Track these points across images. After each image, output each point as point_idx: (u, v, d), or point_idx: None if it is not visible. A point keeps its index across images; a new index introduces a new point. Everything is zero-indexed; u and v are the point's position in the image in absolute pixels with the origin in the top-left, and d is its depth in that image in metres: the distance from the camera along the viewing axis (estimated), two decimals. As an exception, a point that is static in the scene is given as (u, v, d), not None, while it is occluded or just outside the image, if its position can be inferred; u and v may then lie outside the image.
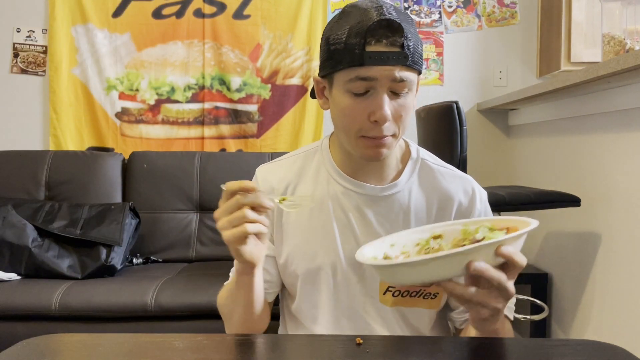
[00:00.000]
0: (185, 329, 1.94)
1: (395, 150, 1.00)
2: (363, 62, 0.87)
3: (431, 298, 0.99)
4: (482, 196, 1.04)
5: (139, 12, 2.81)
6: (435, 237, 0.85)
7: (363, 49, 0.87)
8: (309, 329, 1.03)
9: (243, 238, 0.81)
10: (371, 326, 1.00)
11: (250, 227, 0.80)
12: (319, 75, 0.97)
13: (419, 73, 0.93)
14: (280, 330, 1.12)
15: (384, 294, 0.99)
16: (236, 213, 0.80)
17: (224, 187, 0.81)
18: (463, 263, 0.71)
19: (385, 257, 0.83)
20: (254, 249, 0.84)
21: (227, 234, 0.81)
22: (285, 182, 1.04)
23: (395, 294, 0.99)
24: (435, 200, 1.01)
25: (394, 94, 0.90)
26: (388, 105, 0.89)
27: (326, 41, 0.92)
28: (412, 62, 0.88)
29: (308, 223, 1.02)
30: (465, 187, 1.03)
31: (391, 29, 0.87)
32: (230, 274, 1.05)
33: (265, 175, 1.06)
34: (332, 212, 1.01)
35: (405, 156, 1.04)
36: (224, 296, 1.03)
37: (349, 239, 1.00)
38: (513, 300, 0.99)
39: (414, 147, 1.06)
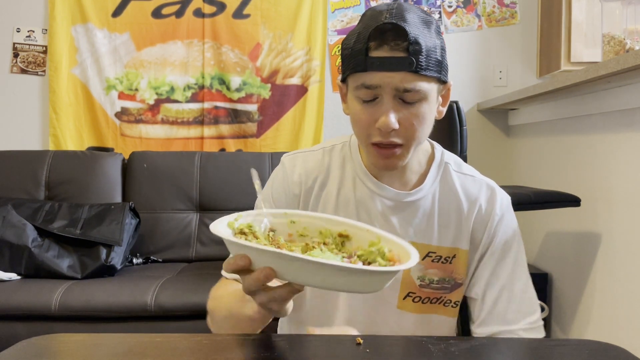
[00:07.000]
0: (185, 329, 1.94)
1: (417, 153, 0.97)
2: (366, 68, 0.84)
3: (452, 306, 0.98)
4: (502, 201, 1.01)
5: (139, 12, 2.80)
6: (342, 236, 0.80)
7: (366, 55, 0.84)
8: None
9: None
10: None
11: (274, 306, 0.74)
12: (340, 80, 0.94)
13: (439, 81, 0.88)
14: (280, 331, 1.11)
15: (404, 299, 0.97)
16: (261, 296, 0.73)
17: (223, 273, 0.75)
18: (334, 275, 0.67)
19: (244, 231, 0.76)
20: (289, 306, 0.78)
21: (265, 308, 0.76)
22: (313, 177, 1.00)
23: (416, 299, 0.97)
24: (457, 206, 0.99)
25: (405, 102, 0.86)
26: (393, 114, 0.85)
27: (342, 45, 0.90)
28: (420, 68, 0.83)
29: None
30: (486, 191, 1.01)
31: (395, 32, 0.83)
32: (225, 275, 0.97)
33: (294, 166, 1.01)
34: (356, 217, 0.97)
35: (430, 159, 1.01)
36: (220, 308, 0.95)
37: None
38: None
39: (439, 150, 1.03)
